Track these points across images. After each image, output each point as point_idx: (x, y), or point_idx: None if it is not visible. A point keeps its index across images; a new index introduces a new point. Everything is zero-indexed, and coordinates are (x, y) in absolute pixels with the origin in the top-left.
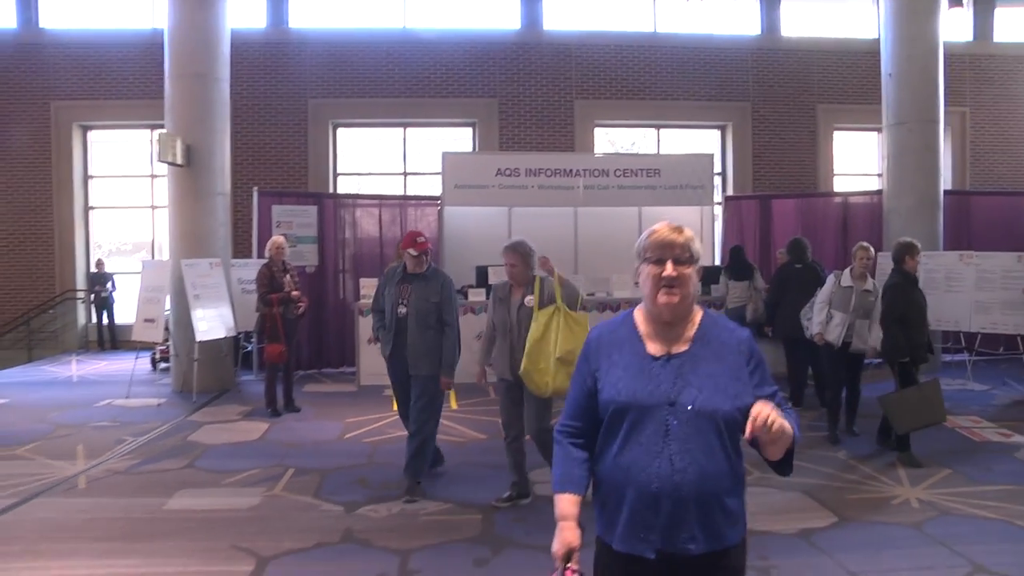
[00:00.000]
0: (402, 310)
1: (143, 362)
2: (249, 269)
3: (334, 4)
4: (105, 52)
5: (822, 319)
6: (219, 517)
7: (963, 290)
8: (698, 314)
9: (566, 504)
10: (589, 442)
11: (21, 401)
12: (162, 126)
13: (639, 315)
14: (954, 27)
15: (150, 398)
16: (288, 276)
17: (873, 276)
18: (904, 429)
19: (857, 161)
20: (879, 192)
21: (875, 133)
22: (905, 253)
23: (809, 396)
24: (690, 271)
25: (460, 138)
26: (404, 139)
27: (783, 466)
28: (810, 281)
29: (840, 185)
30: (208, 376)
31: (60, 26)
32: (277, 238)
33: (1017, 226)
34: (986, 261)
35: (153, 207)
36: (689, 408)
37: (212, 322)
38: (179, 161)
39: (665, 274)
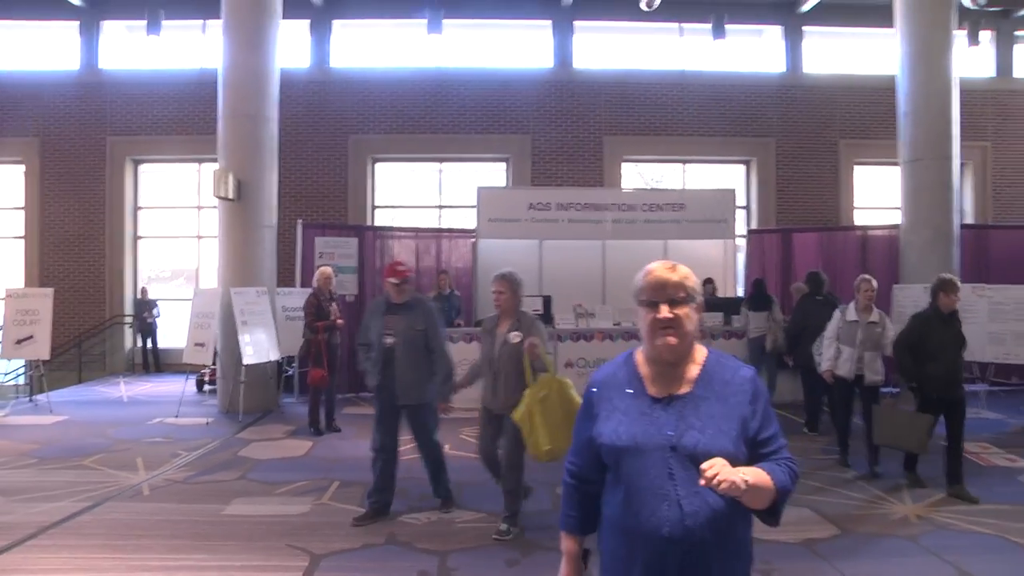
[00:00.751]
0: (389, 340)
1: (190, 384)
2: (293, 297)
3: (374, 45)
4: (157, 91)
5: (831, 355)
6: (274, 521)
7: (977, 321)
8: (701, 353)
9: (570, 543)
10: (594, 484)
11: (79, 418)
12: (207, 160)
13: (640, 356)
14: (976, 63)
15: (199, 417)
16: (334, 304)
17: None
18: (879, 440)
19: (878, 195)
20: (897, 226)
21: (896, 167)
22: (940, 289)
23: (825, 422)
24: (687, 311)
25: (494, 173)
26: (440, 173)
27: (768, 516)
28: (828, 313)
29: (861, 218)
30: (253, 397)
31: (116, 67)
32: (325, 269)
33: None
34: (999, 293)
35: (199, 237)
36: (691, 451)
37: (258, 347)
38: (231, 196)
39: (660, 316)
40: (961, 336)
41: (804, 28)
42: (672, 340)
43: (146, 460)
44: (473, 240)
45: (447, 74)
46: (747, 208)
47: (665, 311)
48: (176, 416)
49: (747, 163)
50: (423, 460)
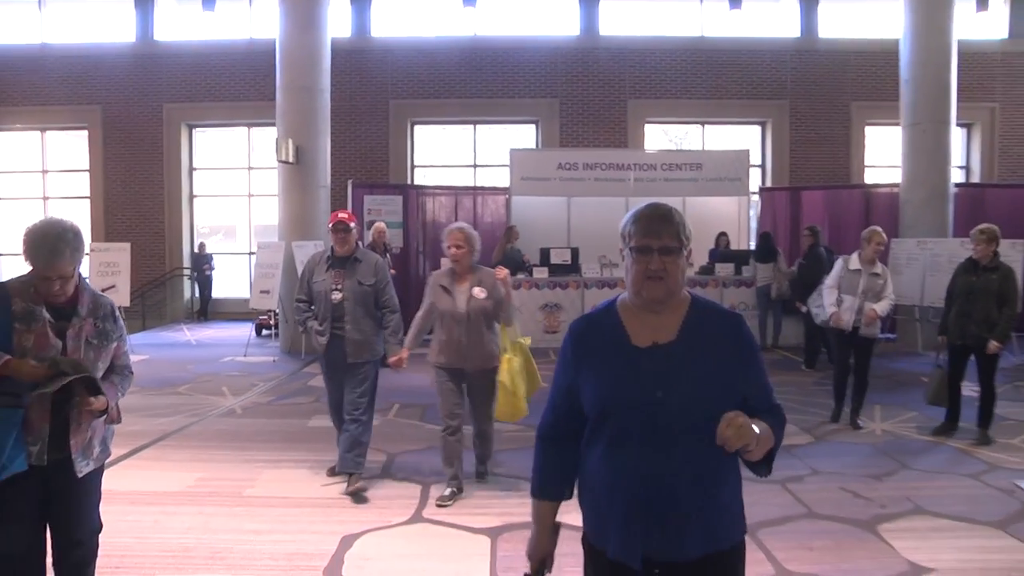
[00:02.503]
0: (336, 296)
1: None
2: None
3: (412, 14)
4: (209, 61)
5: (833, 300)
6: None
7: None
8: (686, 300)
9: (544, 510)
10: (572, 443)
11: (158, 358)
12: (256, 125)
13: (622, 305)
14: (988, 26)
15: (265, 356)
16: (388, 256)
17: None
18: (928, 400)
19: (887, 155)
20: (897, 185)
21: None
22: (973, 241)
23: (822, 360)
24: (678, 260)
25: (524, 134)
26: (474, 135)
27: (760, 467)
28: (830, 261)
29: (871, 177)
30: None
31: (171, 38)
32: (380, 224)
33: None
34: None
35: (249, 195)
36: (678, 403)
37: None
38: (291, 160)
39: (652, 267)
40: (992, 285)
41: None
42: (659, 291)
43: (231, 388)
44: (505, 197)
45: (480, 42)
46: (762, 167)
47: (657, 262)
48: (244, 355)
49: (763, 124)
50: (349, 421)
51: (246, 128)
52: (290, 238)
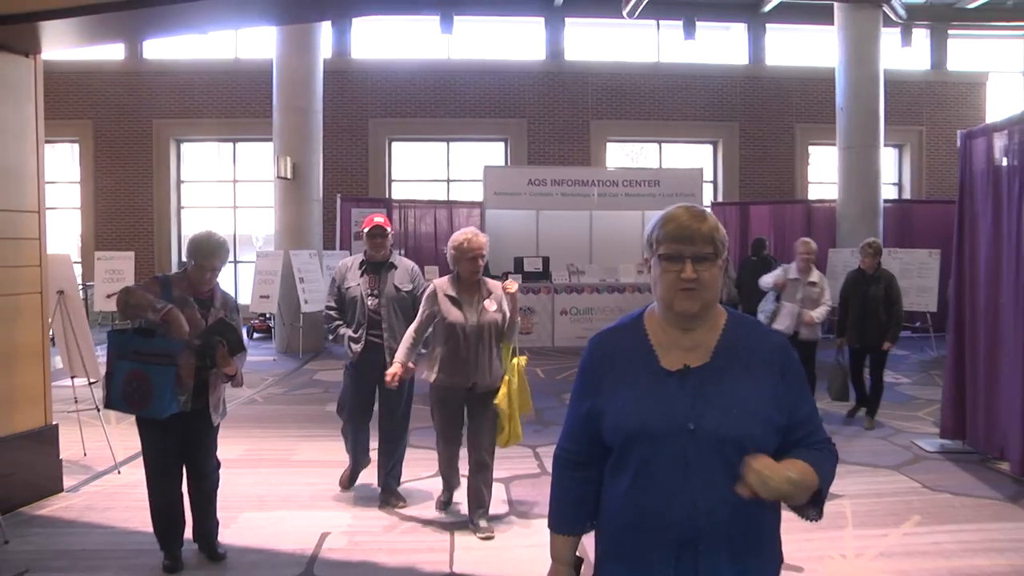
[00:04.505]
0: (372, 302)
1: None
2: (335, 258)
3: (390, 38)
4: (196, 78)
5: (769, 310)
6: None
7: None
8: (722, 316)
9: (564, 545)
10: (593, 471)
11: None
12: (242, 140)
13: (650, 319)
14: (914, 58)
15: (264, 356)
16: None
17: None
18: (833, 397)
19: (828, 172)
20: (835, 200)
21: None
22: (861, 253)
23: None
24: (712, 269)
25: (495, 152)
26: (447, 152)
27: (806, 510)
28: (763, 269)
29: (814, 193)
30: (308, 340)
31: (159, 56)
32: None
33: (945, 229)
34: (907, 256)
35: (235, 207)
36: (713, 436)
37: (313, 297)
38: (288, 175)
39: (684, 276)
40: (880, 292)
41: (766, 25)
42: (694, 304)
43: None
44: (478, 210)
45: (454, 64)
46: (714, 183)
47: (689, 270)
48: None
49: (715, 144)
50: (389, 443)
51: (232, 143)
52: (287, 247)
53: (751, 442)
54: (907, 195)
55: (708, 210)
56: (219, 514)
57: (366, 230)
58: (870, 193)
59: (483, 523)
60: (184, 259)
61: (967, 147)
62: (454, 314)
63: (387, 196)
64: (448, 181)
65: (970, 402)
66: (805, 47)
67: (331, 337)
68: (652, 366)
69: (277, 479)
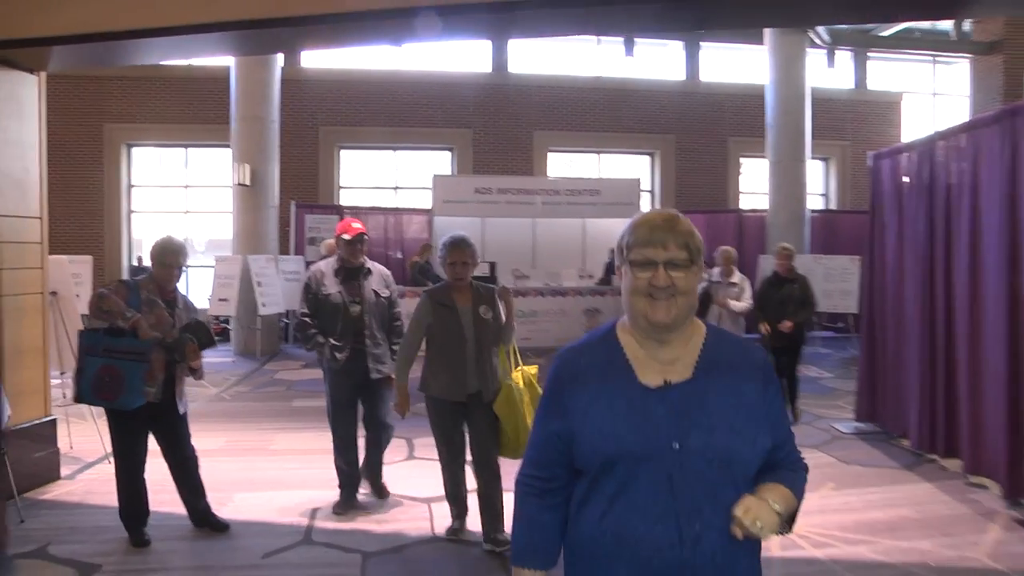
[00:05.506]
0: (355, 308)
1: None
2: (290, 263)
3: (339, 49)
4: (149, 84)
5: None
6: None
7: (815, 282)
8: (700, 330)
9: None
10: (560, 497)
11: None
12: (193, 146)
13: (623, 333)
14: (840, 78)
15: (222, 357)
16: None
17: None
18: None
19: (759, 183)
20: (765, 210)
21: None
22: (776, 257)
23: None
24: (688, 276)
25: (441, 161)
26: (395, 160)
27: (782, 527)
28: None
29: (745, 203)
30: (266, 341)
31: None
32: (331, 241)
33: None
34: (831, 261)
35: (186, 212)
36: (699, 456)
37: (270, 301)
38: (247, 183)
39: (657, 283)
40: (795, 293)
41: (701, 43)
42: (668, 314)
43: (208, 382)
44: (426, 217)
45: (401, 75)
46: (652, 193)
47: (663, 276)
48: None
49: (652, 155)
50: (374, 446)
51: (184, 149)
52: (244, 252)
53: (739, 462)
54: (833, 205)
55: (680, 214)
56: (213, 496)
57: (347, 237)
58: (797, 204)
59: (500, 536)
60: (135, 263)
61: (877, 167)
62: (448, 323)
63: (336, 202)
64: (396, 188)
65: (880, 389)
66: (738, 65)
67: (307, 346)
68: (630, 383)
69: (261, 465)
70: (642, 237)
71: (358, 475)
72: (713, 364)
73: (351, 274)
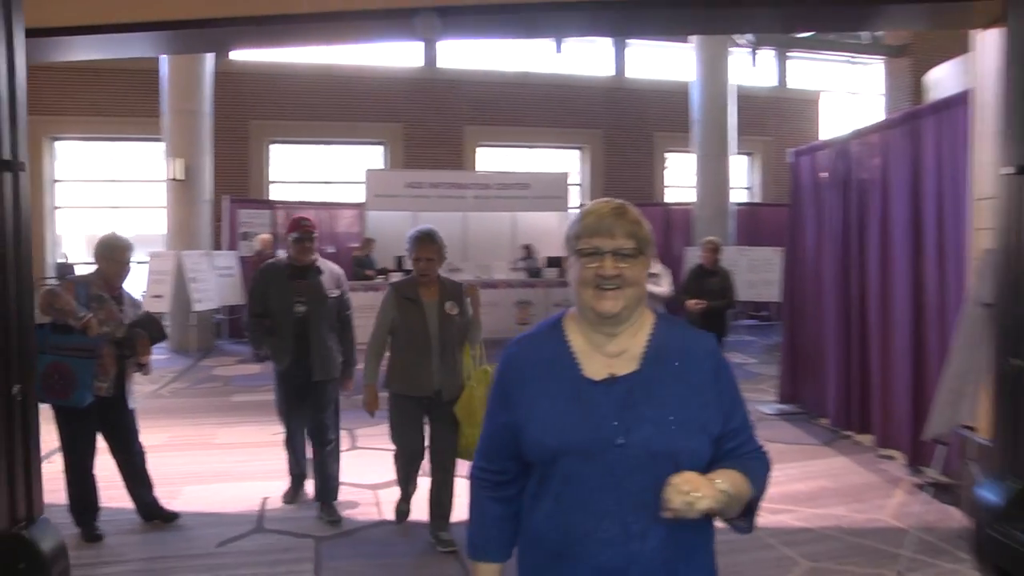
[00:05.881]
0: (300, 309)
1: None
2: (223, 258)
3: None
4: (73, 76)
5: None
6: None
7: (741, 272)
8: (649, 320)
9: (486, 574)
10: (513, 489)
11: None
12: (121, 139)
13: (570, 324)
14: (762, 76)
15: (158, 354)
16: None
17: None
18: None
19: (684, 176)
20: (691, 203)
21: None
22: (701, 249)
23: None
24: (636, 266)
25: (374, 155)
26: (327, 155)
27: (738, 523)
28: None
29: (670, 196)
30: (200, 338)
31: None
32: (265, 236)
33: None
34: (755, 253)
35: (114, 207)
36: (644, 451)
37: (204, 297)
38: (180, 177)
39: (603, 274)
40: (716, 286)
41: (628, 41)
42: (616, 304)
43: (142, 380)
44: (358, 211)
45: (333, 70)
46: (581, 186)
47: (610, 266)
48: None
49: (581, 149)
50: (319, 448)
51: (110, 142)
52: (178, 247)
53: (686, 456)
54: (757, 198)
55: (628, 203)
56: (161, 490)
57: (295, 235)
58: (721, 197)
59: (444, 535)
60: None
61: (797, 163)
62: (413, 319)
63: (266, 197)
64: (327, 183)
65: (801, 373)
66: (664, 63)
67: (256, 346)
68: (575, 376)
69: (207, 459)
70: (590, 226)
71: (305, 470)
72: (661, 355)
73: (299, 273)
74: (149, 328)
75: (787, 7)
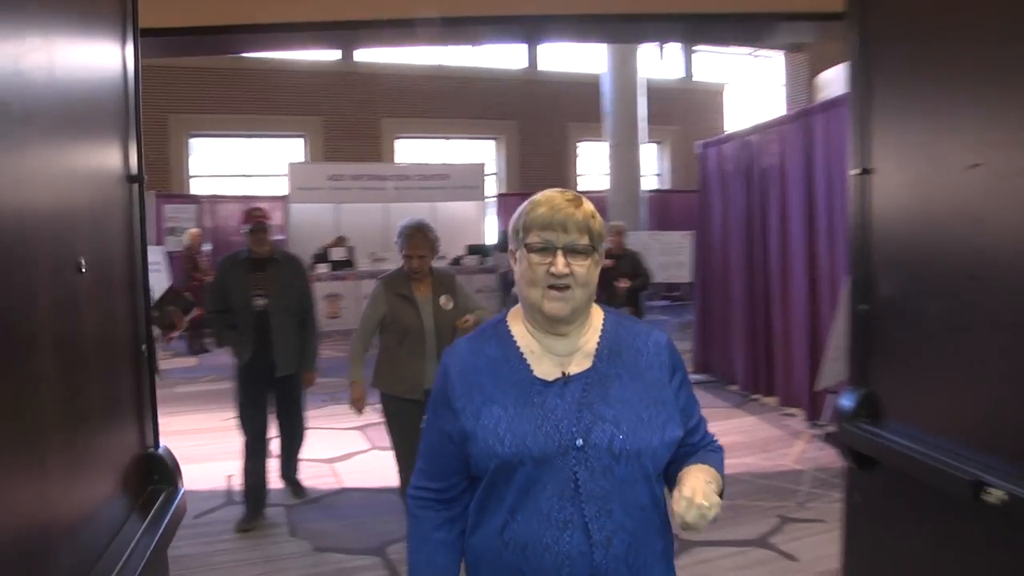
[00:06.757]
0: (260, 302)
1: None
2: (151, 254)
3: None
4: None
5: None
6: (215, 391)
7: (652, 256)
8: (598, 316)
9: None
10: (457, 508)
11: None
12: None
13: (515, 323)
14: (670, 68)
15: None
16: (201, 257)
17: None
18: None
19: (595, 165)
20: (604, 191)
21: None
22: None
23: None
24: (588, 264)
25: (294, 148)
26: (248, 148)
27: None
28: None
29: (583, 184)
30: None
31: None
32: (194, 230)
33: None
34: (666, 237)
35: None
36: (605, 452)
37: None
38: None
39: (555, 271)
40: (627, 269)
41: None
42: (564, 306)
43: None
44: (281, 204)
45: (251, 62)
46: (497, 175)
47: (561, 264)
48: None
49: (496, 140)
50: (285, 439)
51: None
52: None
53: (648, 454)
54: (667, 185)
55: (581, 195)
56: None
57: (248, 226)
58: (633, 185)
59: None
60: None
61: (704, 154)
62: (407, 315)
63: (188, 192)
64: (248, 176)
65: (712, 345)
66: (575, 55)
67: (216, 341)
68: (524, 377)
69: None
70: (541, 218)
71: (265, 492)
72: (614, 351)
73: (257, 265)
74: (175, 302)
75: (690, 21)
